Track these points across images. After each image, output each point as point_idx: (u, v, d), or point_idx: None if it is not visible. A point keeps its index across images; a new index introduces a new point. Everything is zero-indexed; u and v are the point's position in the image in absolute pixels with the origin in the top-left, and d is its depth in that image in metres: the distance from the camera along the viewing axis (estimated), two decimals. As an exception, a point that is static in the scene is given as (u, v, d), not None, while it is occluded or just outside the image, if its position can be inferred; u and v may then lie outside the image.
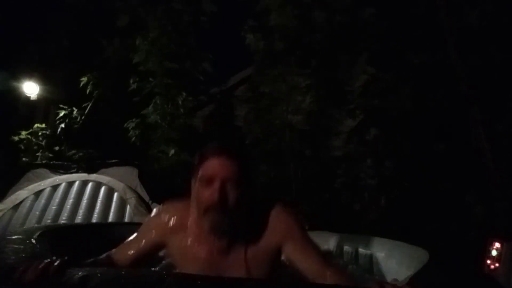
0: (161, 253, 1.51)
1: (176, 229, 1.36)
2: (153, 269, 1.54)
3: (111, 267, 1.29)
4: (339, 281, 1.22)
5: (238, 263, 1.31)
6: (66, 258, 1.00)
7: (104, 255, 1.37)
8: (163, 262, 1.64)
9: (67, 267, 0.96)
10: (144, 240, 1.38)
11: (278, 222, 1.33)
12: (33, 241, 1.33)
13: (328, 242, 2.01)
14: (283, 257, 1.34)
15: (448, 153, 4.27)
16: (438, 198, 4.11)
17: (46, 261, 0.98)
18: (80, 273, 0.91)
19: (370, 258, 1.83)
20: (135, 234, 1.43)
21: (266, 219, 1.33)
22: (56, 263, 0.97)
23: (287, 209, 1.36)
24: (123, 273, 0.94)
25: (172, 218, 1.38)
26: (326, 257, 1.32)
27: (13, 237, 1.32)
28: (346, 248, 1.96)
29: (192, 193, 1.31)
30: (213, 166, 1.23)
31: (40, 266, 0.96)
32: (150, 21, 5.14)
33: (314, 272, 1.27)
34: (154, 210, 1.51)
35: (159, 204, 3.45)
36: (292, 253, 1.31)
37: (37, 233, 1.43)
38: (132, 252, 1.37)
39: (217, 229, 1.24)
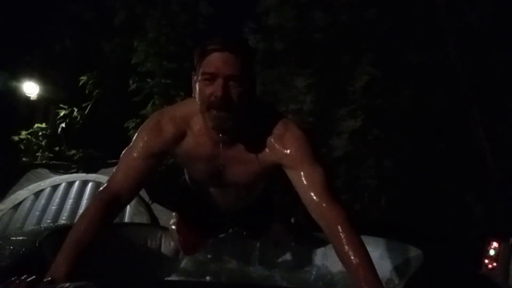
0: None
1: (180, 134, 1.32)
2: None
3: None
4: (331, 221, 1.18)
5: (240, 160, 1.32)
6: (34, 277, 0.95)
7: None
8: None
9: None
10: (143, 162, 1.30)
11: (282, 141, 1.29)
12: (38, 243, 1.31)
13: (328, 242, 2.00)
14: (286, 173, 1.31)
15: (448, 153, 4.27)
16: (438, 198, 4.11)
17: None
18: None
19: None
20: (134, 153, 1.31)
21: (271, 129, 1.30)
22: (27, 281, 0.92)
23: (295, 131, 1.31)
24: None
25: (173, 127, 1.32)
26: (330, 192, 1.27)
27: (15, 238, 1.32)
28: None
29: (194, 90, 1.28)
30: (216, 61, 1.19)
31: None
32: (148, 21, 5.14)
33: (310, 203, 1.23)
34: (149, 122, 1.38)
35: (159, 204, 3.43)
36: (292, 175, 1.29)
37: (44, 235, 1.41)
38: (136, 174, 1.28)
39: (221, 125, 1.22)
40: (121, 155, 1.35)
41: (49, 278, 0.97)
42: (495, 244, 2.05)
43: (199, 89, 1.23)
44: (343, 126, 5.26)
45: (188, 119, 1.32)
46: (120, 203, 1.27)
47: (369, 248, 1.16)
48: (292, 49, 5.30)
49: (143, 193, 3.64)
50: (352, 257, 1.12)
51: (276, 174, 1.37)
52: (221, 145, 1.27)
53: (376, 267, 1.11)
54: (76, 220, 1.21)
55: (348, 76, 5.18)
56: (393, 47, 4.78)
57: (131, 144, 1.35)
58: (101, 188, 1.28)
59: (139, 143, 1.32)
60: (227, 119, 1.19)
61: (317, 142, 5.27)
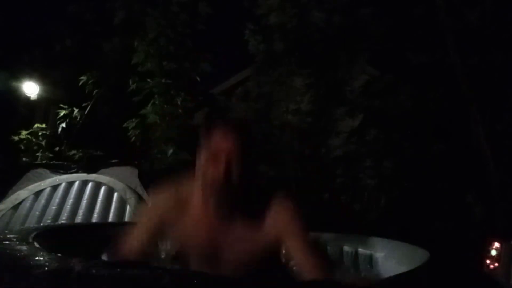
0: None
1: (180, 208, 1.35)
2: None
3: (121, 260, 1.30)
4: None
5: (237, 243, 1.32)
6: None
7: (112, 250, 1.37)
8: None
9: None
10: (148, 225, 1.37)
11: (278, 215, 1.32)
12: (30, 241, 1.31)
13: (328, 242, 2.01)
14: (283, 250, 1.35)
15: (448, 153, 4.27)
16: (438, 198, 4.11)
17: None
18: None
19: (370, 258, 1.84)
20: (139, 221, 1.42)
21: (267, 208, 1.33)
22: None
23: (287, 204, 1.35)
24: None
25: (176, 199, 1.37)
26: (323, 262, 1.30)
27: (9, 237, 1.32)
28: (346, 248, 1.96)
29: (197, 170, 1.31)
30: (218, 142, 1.23)
31: None
32: (148, 21, 5.15)
33: (306, 273, 1.26)
34: (152, 195, 1.53)
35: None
36: (289, 250, 1.32)
37: (34, 234, 1.42)
38: (139, 239, 1.35)
39: (221, 206, 1.26)
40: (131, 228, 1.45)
41: None
42: (496, 245, 2.05)
43: (202, 169, 1.27)
44: (341, 126, 5.26)
45: (188, 199, 1.36)
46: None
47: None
48: (291, 49, 5.30)
49: (143, 193, 3.65)
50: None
51: (278, 253, 1.41)
52: (219, 225, 1.31)
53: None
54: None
55: (346, 76, 5.18)
56: (392, 47, 4.79)
57: (138, 219, 1.48)
58: (127, 233, 1.38)
59: (142, 219, 1.44)
60: (227, 199, 1.24)
61: (316, 142, 5.28)
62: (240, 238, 1.32)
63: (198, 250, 1.38)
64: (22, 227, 3.12)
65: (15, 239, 1.28)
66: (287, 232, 1.31)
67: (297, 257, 1.30)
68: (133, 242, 1.34)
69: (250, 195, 1.31)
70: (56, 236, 1.58)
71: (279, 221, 1.31)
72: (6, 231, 1.61)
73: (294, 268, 1.31)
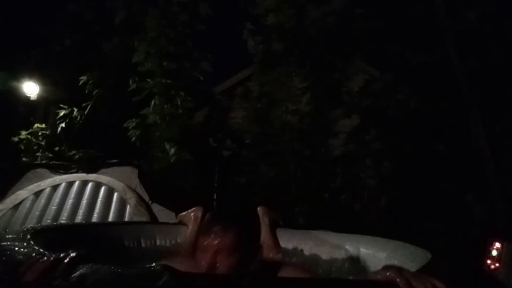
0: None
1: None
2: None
3: None
4: None
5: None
6: (75, 254, 0.93)
7: None
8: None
9: (77, 265, 0.90)
10: None
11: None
12: (28, 241, 1.31)
13: (328, 242, 2.01)
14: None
15: (448, 153, 4.27)
16: (438, 198, 4.11)
17: (52, 258, 0.92)
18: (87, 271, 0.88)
19: (371, 258, 1.83)
20: None
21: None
22: (65, 261, 0.90)
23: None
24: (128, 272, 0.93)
25: None
26: None
27: (8, 237, 1.31)
28: (346, 248, 1.95)
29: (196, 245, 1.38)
30: (213, 240, 1.30)
31: (44, 265, 0.90)
32: (148, 21, 5.15)
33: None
34: None
35: (159, 204, 3.42)
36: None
37: (32, 233, 1.41)
38: None
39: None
40: None
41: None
42: (497, 245, 2.04)
43: (197, 254, 1.34)
44: (341, 126, 5.26)
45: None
46: None
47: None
48: (290, 49, 5.30)
49: (143, 193, 3.64)
50: None
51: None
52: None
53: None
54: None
55: (343, 77, 5.18)
56: (391, 47, 4.79)
57: None
58: None
59: None
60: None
61: (316, 142, 5.28)
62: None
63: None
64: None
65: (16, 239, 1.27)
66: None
67: None
68: None
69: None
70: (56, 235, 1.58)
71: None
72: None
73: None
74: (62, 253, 0.94)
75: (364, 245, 1.87)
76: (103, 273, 0.89)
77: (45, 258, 0.94)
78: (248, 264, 1.36)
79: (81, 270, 0.88)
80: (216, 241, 1.31)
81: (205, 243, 1.31)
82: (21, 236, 1.31)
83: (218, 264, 1.28)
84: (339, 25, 4.98)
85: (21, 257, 1.06)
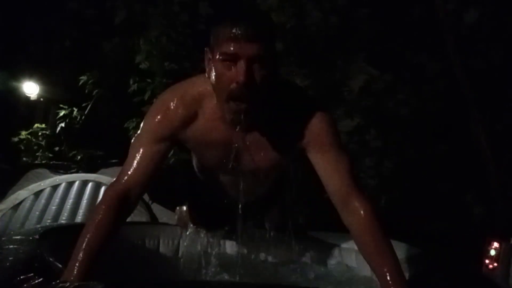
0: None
1: (190, 115, 1.19)
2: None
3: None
4: (359, 210, 1.12)
5: (259, 145, 1.20)
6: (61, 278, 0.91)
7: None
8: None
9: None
10: (153, 147, 1.18)
11: (308, 123, 1.17)
12: (33, 242, 1.31)
13: (328, 242, 2.01)
14: (309, 158, 1.22)
15: (448, 153, 4.27)
16: (438, 198, 4.11)
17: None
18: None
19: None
20: (142, 139, 1.20)
21: (295, 111, 1.19)
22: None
23: (322, 113, 1.20)
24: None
25: (183, 108, 1.19)
26: (356, 180, 1.21)
27: (13, 238, 1.32)
28: (346, 248, 1.96)
29: (209, 71, 1.12)
30: (238, 39, 1.01)
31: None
32: (152, 19, 5.15)
33: (335, 189, 1.17)
34: (157, 103, 1.27)
35: (159, 204, 3.44)
36: (318, 160, 1.19)
37: (38, 234, 1.41)
38: (145, 162, 1.16)
39: (241, 119, 1.09)
40: (131, 144, 1.24)
41: (59, 281, 0.92)
42: (495, 244, 2.05)
43: (217, 72, 1.06)
44: (341, 126, 5.25)
45: (200, 99, 1.18)
46: (131, 197, 1.16)
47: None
48: (291, 49, 5.30)
49: (143, 193, 3.64)
50: (378, 254, 1.11)
51: (296, 161, 1.31)
52: (238, 129, 1.14)
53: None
54: (86, 220, 1.15)
55: (344, 76, 5.18)
56: (392, 47, 4.78)
57: (139, 130, 1.25)
58: (110, 184, 1.21)
59: (146, 127, 1.22)
60: (249, 112, 1.07)
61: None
62: (259, 144, 1.20)
63: (213, 152, 1.24)
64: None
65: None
66: (318, 143, 1.18)
67: (327, 173, 1.18)
68: (138, 160, 1.15)
69: (276, 95, 1.14)
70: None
71: (310, 130, 1.18)
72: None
73: (324, 184, 1.20)
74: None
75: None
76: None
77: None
78: None
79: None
80: (247, 42, 1.00)
81: (232, 51, 1.00)
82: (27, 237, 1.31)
83: (256, 78, 1.03)
84: (341, 25, 4.97)
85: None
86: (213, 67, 1.08)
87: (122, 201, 1.12)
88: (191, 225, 1.81)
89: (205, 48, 1.13)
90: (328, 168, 1.19)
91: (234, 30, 1.01)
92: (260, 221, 1.80)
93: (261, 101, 1.08)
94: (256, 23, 1.04)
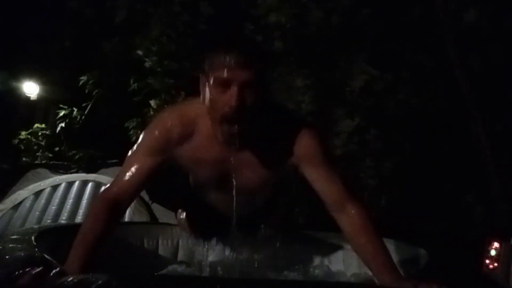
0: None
1: (186, 133, 1.26)
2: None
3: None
4: (356, 216, 1.18)
5: (252, 164, 1.26)
6: (60, 268, 0.93)
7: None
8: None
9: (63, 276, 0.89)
10: (147, 160, 1.26)
11: (301, 140, 1.24)
12: (32, 242, 1.31)
13: (328, 242, 2.01)
14: (303, 174, 1.28)
15: (448, 153, 4.27)
16: (438, 198, 4.11)
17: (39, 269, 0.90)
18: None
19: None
20: (138, 151, 1.28)
21: (286, 129, 1.25)
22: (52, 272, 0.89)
23: (313, 130, 1.28)
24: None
25: (180, 126, 1.26)
26: (350, 189, 1.27)
27: (12, 238, 1.31)
28: (346, 248, 1.96)
29: (203, 95, 1.20)
30: (231, 65, 1.08)
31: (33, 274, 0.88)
32: (153, 18, 5.15)
33: (331, 200, 1.24)
34: (155, 121, 1.39)
35: (159, 204, 3.45)
36: (311, 174, 1.26)
37: (36, 234, 1.41)
38: (138, 173, 1.24)
39: (233, 140, 1.15)
40: (127, 155, 1.32)
41: (58, 269, 0.94)
42: (496, 244, 2.05)
43: (211, 97, 1.14)
44: (342, 126, 5.25)
45: (197, 119, 1.26)
46: (121, 204, 1.25)
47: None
48: (291, 49, 5.30)
49: (143, 193, 3.64)
50: (372, 250, 1.15)
51: (289, 176, 1.37)
52: (231, 149, 1.21)
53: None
54: (82, 220, 1.26)
55: (345, 77, 5.18)
56: (392, 47, 4.78)
57: (136, 144, 1.33)
58: (104, 188, 1.29)
59: (144, 141, 1.31)
60: (241, 133, 1.13)
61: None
62: (252, 162, 1.25)
63: (207, 171, 1.31)
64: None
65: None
66: (310, 158, 1.23)
67: (322, 185, 1.25)
68: (132, 170, 1.23)
69: (267, 118, 1.20)
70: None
71: (301, 146, 1.24)
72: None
73: (320, 195, 1.27)
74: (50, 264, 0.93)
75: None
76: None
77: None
78: None
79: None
80: (238, 68, 1.07)
81: (225, 76, 1.08)
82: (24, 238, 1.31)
83: (247, 102, 1.09)
84: (342, 25, 4.97)
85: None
86: (207, 92, 1.16)
87: (112, 206, 1.21)
88: (189, 229, 1.83)
89: (200, 74, 1.22)
90: (323, 180, 1.25)
91: (227, 58, 1.09)
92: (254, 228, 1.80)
93: (252, 122, 1.15)
94: (247, 51, 1.13)
